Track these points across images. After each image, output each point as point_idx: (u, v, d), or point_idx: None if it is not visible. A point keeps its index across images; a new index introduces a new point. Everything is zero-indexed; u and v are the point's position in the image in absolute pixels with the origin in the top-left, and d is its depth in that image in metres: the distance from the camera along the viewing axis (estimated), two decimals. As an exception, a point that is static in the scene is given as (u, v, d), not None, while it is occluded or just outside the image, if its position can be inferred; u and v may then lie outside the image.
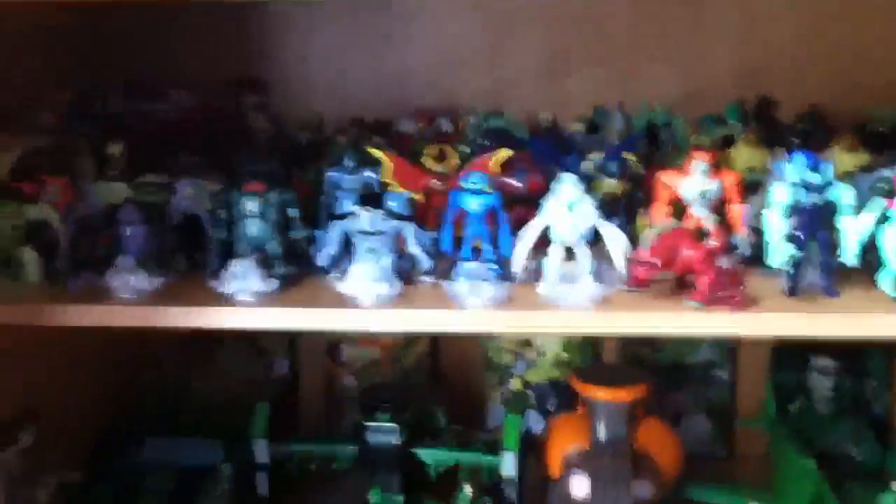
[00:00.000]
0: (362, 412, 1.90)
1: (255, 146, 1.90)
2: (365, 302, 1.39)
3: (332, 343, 2.22)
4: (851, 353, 2.12)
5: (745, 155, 1.65)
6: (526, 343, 2.18)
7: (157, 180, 1.54)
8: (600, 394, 1.78)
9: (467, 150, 1.71)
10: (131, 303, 1.42)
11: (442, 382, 2.19)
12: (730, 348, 2.17)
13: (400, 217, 1.45)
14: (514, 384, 2.20)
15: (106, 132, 1.71)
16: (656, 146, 1.82)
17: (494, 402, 2.21)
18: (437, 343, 2.22)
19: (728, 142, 1.80)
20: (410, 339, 2.20)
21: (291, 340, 2.24)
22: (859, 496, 1.81)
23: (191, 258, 1.55)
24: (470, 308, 1.39)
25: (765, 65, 1.98)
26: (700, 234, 1.44)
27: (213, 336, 2.20)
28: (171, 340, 2.16)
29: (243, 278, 1.41)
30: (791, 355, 2.14)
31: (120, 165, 1.61)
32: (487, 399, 2.22)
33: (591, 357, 2.16)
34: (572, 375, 1.88)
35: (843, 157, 1.55)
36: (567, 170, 1.49)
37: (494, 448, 1.87)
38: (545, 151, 1.68)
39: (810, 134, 1.70)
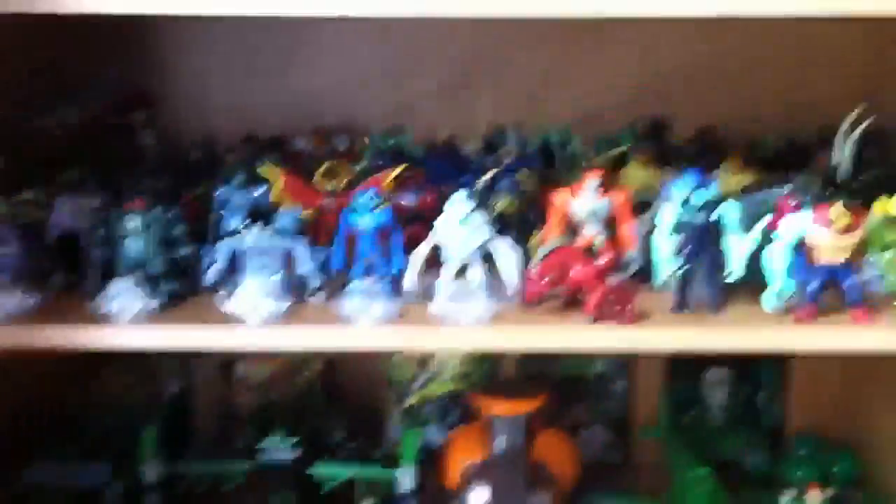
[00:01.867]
0: (256, 429, 1.88)
1: (144, 162, 1.85)
2: (252, 320, 1.37)
3: (225, 361, 2.17)
4: (744, 365, 2.17)
5: (637, 174, 1.67)
6: (426, 358, 2.17)
7: (33, 197, 1.48)
8: (498, 407, 1.80)
9: (361, 168, 1.70)
10: (5, 323, 1.36)
11: (340, 400, 2.16)
12: (626, 361, 2.19)
13: (289, 235, 1.43)
14: (414, 398, 2.18)
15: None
16: (552, 165, 1.84)
17: (394, 418, 2.19)
18: (333, 361, 2.19)
19: (621, 162, 1.82)
20: (306, 357, 2.17)
21: (183, 359, 2.19)
22: (753, 503, 1.86)
23: (71, 277, 1.50)
24: (361, 325, 1.37)
25: (662, 88, 2.01)
26: (591, 252, 1.45)
27: (102, 356, 2.14)
28: (58, 361, 2.09)
29: (123, 297, 1.37)
30: (686, 367, 2.18)
31: (-1, 181, 1.55)
32: (387, 415, 2.20)
33: (491, 370, 2.16)
34: (470, 390, 1.89)
35: (729, 179, 1.59)
36: (461, 187, 1.49)
37: (392, 462, 1.88)
38: (441, 170, 1.69)
39: (700, 155, 1.73)
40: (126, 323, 1.38)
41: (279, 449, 1.85)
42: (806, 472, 1.92)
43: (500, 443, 1.80)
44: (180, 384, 2.17)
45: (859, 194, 1.50)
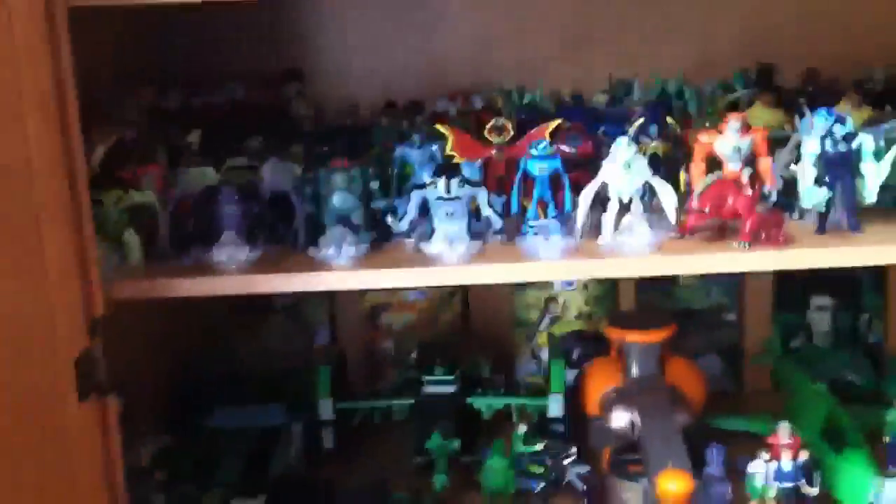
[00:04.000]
0: (418, 366, 2.08)
1: (303, 132, 2.05)
2: (450, 259, 1.56)
3: (370, 310, 2.38)
4: (847, 291, 2.34)
5: (761, 115, 1.83)
6: (551, 299, 2.37)
7: (242, 163, 1.67)
8: (632, 336, 1.97)
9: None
10: (236, 272, 1.56)
11: (478, 339, 2.36)
12: (737, 293, 2.37)
13: (473, 183, 1.62)
14: (540, 338, 2.38)
15: (175, 123, 1.85)
16: (669, 113, 2.01)
17: (522, 355, 2.39)
18: (467, 305, 2.39)
19: (734, 106, 1.99)
20: (442, 303, 2.37)
21: (331, 310, 2.40)
22: (863, 415, 2.00)
23: (273, 234, 1.68)
24: (544, 260, 1.56)
25: (763, 35, 2.18)
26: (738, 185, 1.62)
27: (258, 310, 2.36)
28: (219, 317, 2.31)
29: (338, 245, 1.57)
30: (792, 296, 2.35)
31: (197, 152, 1.75)
32: (516, 353, 2.40)
33: (611, 307, 2.36)
34: (605, 323, 2.08)
35: (850, 114, 1.74)
36: (605, 136, 1.66)
37: (538, 392, 2.06)
38: (578, 122, 1.86)
39: (815, 95, 1.90)
40: (339, 267, 1.56)
41: (440, 383, 2.05)
42: None
43: (635, 370, 1.98)
44: (331, 334, 2.38)
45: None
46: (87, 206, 1.36)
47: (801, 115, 1.63)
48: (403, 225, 1.64)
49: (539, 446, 1.94)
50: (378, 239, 1.65)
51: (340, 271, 1.56)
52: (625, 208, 1.60)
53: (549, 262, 1.56)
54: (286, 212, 1.65)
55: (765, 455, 1.76)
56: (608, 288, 2.35)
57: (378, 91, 2.25)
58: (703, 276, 2.35)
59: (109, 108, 1.81)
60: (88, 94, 1.39)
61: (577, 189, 1.63)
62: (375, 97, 2.22)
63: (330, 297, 2.40)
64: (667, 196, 1.58)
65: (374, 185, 1.65)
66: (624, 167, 1.57)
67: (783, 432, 1.77)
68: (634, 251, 1.56)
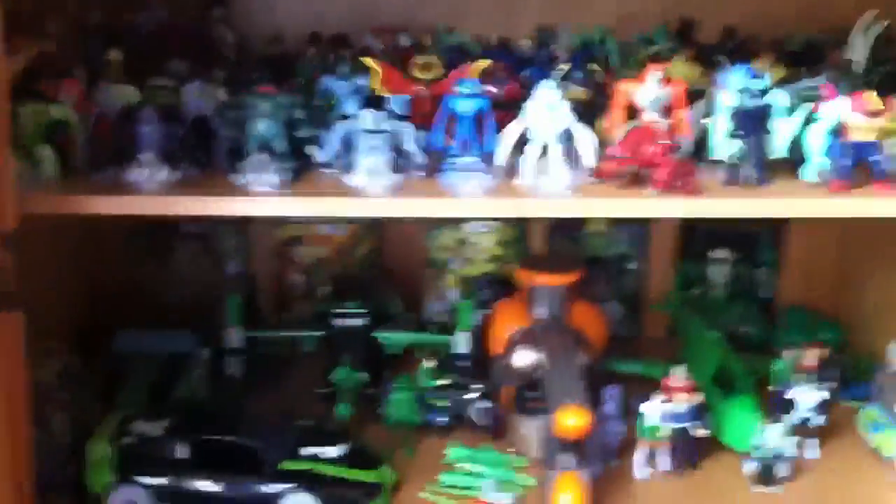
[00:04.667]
0: (330, 300, 2.09)
1: (226, 57, 2.02)
2: (373, 192, 1.57)
3: (283, 242, 2.38)
4: (746, 246, 2.44)
5: (680, 69, 1.88)
6: (463, 241, 2.40)
7: (164, 84, 1.65)
8: (540, 279, 2.02)
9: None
10: (155, 193, 1.55)
11: (390, 277, 2.39)
12: (642, 243, 2.45)
13: (399, 118, 1.63)
14: (451, 279, 2.42)
15: (98, 41, 1.80)
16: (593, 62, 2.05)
17: (433, 295, 2.43)
18: (381, 243, 2.41)
19: (654, 60, 2.03)
20: (356, 239, 2.39)
21: (244, 241, 2.40)
22: (753, 364, 2.09)
23: (194, 157, 1.66)
24: (464, 196, 1.59)
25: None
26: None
27: (171, 237, 2.34)
28: (132, 241, 2.29)
29: (259, 172, 1.56)
30: (694, 247, 2.44)
31: (119, 71, 1.71)
32: (426, 293, 2.43)
33: (522, 252, 2.41)
34: (518, 265, 2.12)
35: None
36: (536, 80, 1.69)
37: (446, 331, 2.10)
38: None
39: (733, 52, 1.95)
40: (262, 193, 1.56)
41: (350, 316, 2.07)
42: (795, 340, 2.15)
43: (542, 311, 2.02)
44: (243, 264, 2.37)
45: (872, 88, 1.71)
46: (4, 118, 1.33)
47: (720, 70, 1.68)
48: (326, 156, 1.64)
49: (444, 381, 1.98)
50: (299, 169, 1.64)
51: (260, 197, 1.55)
52: (545, 151, 1.63)
53: (468, 199, 1.58)
54: (208, 136, 1.63)
55: (660, 396, 1.83)
56: (519, 233, 2.40)
57: (304, 22, 2.23)
58: (611, 225, 2.41)
59: (31, 20, 1.74)
60: (10, 3, 1.35)
61: (499, 130, 1.64)
62: (301, 28, 2.19)
63: (243, 227, 2.38)
64: (586, 141, 1.62)
65: (299, 114, 1.65)
66: (548, 109, 1.60)
67: (678, 376, 1.83)
68: (552, 192, 1.59)
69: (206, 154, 1.65)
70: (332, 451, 1.72)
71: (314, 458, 1.70)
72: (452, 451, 1.90)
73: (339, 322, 2.07)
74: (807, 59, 1.97)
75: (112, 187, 1.55)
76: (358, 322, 2.06)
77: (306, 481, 1.67)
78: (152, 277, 2.33)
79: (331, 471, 1.70)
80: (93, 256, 2.21)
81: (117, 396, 1.91)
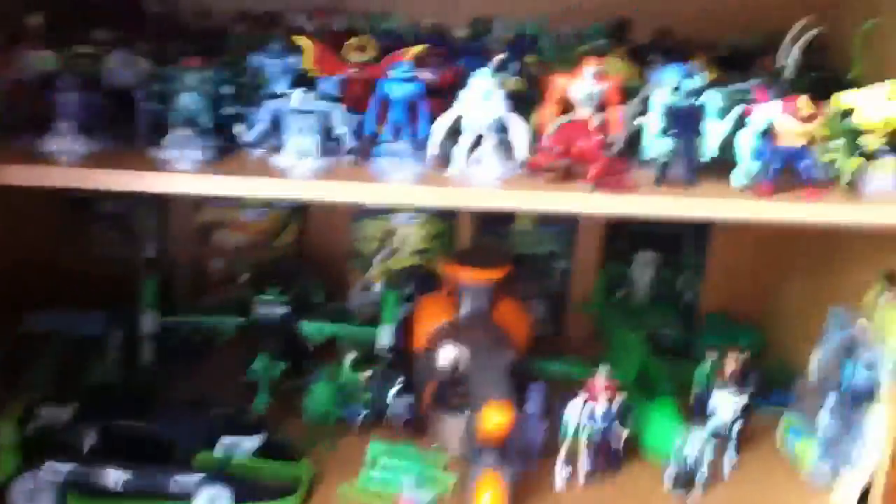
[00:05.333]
0: (250, 287, 2.04)
1: (152, 29, 1.95)
2: (299, 174, 1.52)
3: (202, 226, 2.32)
4: (671, 249, 2.45)
5: (612, 67, 1.87)
6: (389, 232, 2.37)
7: (87, 51, 1.58)
8: (466, 275, 1.99)
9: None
10: (71, 165, 1.48)
11: (313, 267, 2.33)
12: (568, 242, 2.44)
13: (329, 99, 1.58)
14: (377, 270, 2.38)
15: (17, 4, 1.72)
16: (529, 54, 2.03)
17: (357, 286, 2.39)
18: (304, 232, 2.36)
19: (589, 55, 2.02)
20: (278, 226, 2.33)
21: (163, 223, 2.32)
22: (675, 368, 2.10)
23: (115, 130, 1.60)
24: (393, 182, 1.55)
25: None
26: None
27: (87, 214, 2.26)
28: (45, 216, 2.20)
29: (182, 148, 1.51)
30: (619, 249, 2.44)
31: (39, 37, 1.64)
32: (350, 284, 2.39)
33: (450, 246, 2.38)
34: (444, 259, 2.09)
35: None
36: (471, 69, 1.66)
37: (369, 323, 2.07)
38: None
39: (666, 52, 1.95)
40: (184, 170, 1.51)
41: (270, 306, 2.02)
42: (716, 344, 2.08)
43: (467, 307, 2.00)
44: (160, 247, 2.30)
45: (802, 93, 1.72)
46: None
47: (654, 69, 1.68)
48: (253, 135, 1.59)
49: (366, 374, 1.94)
50: (224, 148, 1.59)
51: (182, 174, 1.50)
52: (477, 141, 1.60)
53: (396, 186, 1.55)
54: (130, 108, 1.57)
55: (582, 396, 1.82)
56: (447, 227, 2.37)
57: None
58: (537, 223, 2.40)
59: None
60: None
61: (433, 118, 1.61)
62: (230, 4, 2.13)
63: (162, 208, 2.31)
64: (519, 132, 1.60)
65: (227, 90, 1.59)
66: (483, 98, 1.57)
67: (601, 376, 1.82)
68: (483, 182, 1.57)
69: (128, 127, 1.58)
70: (249, 443, 1.67)
71: (230, 449, 1.64)
72: (373, 447, 1.86)
73: (259, 310, 2.01)
74: (736, 63, 1.98)
75: (26, 156, 1.48)
76: (279, 311, 2.01)
77: (221, 473, 1.61)
78: (68, 256, 2.24)
79: (247, 463, 1.64)
80: (2, 229, 2.11)
81: (23, 379, 1.83)
